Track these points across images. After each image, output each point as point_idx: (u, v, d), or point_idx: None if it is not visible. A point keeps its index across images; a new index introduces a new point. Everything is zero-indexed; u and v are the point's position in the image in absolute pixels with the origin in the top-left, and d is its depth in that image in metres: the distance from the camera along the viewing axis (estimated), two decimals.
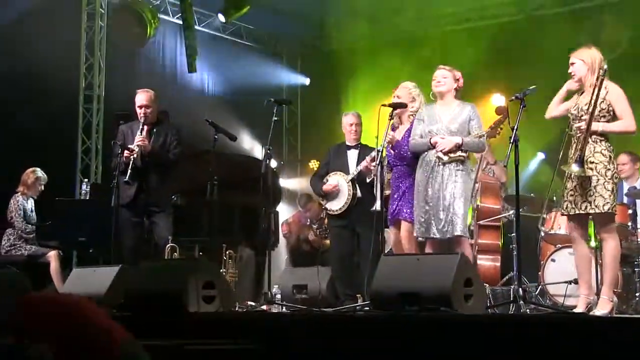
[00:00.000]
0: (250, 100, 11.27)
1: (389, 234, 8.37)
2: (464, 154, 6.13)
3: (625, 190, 8.19)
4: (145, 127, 7.17)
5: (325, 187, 7.55)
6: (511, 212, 7.69)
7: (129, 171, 6.92)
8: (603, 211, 5.39)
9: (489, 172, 8.32)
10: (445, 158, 6.07)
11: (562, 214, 5.75)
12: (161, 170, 7.21)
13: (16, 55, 9.07)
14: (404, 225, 6.51)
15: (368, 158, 7.11)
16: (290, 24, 11.97)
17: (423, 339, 3.94)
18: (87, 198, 9.00)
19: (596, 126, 5.43)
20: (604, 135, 5.49)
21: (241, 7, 10.34)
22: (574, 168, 5.37)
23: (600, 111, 5.44)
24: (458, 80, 6.36)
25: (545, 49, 9.88)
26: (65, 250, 8.57)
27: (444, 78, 6.32)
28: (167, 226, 7.24)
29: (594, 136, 5.46)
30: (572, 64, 5.62)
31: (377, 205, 6.13)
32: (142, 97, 7.22)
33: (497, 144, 8.37)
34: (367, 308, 5.64)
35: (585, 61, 5.57)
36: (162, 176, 7.22)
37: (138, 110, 7.22)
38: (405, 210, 6.50)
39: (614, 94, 5.47)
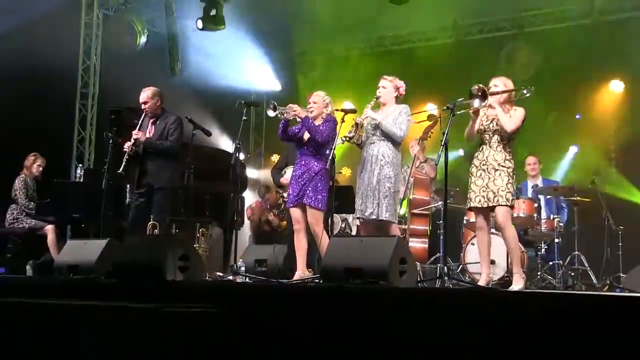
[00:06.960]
0: (223, 101, 11.18)
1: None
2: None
3: (529, 189, 8.36)
4: (147, 120, 7.13)
5: (282, 180, 7.57)
6: (439, 203, 7.77)
7: (123, 164, 6.84)
8: (508, 205, 5.60)
9: (421, 169, 8.38)
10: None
11: (472, 207, 5.74)
12: (160, 156, 7.06)
13: (24, 58, 8.93)
14: (310, 211, 6.13)
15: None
16: (263, 32, 11.57)
17: (364, 306, 3.97)
18: (81, 181, 8.92)
19: (495, 100, 5.61)
20: (511, 150, 5.70)
21: (218, 24, 10.22)
22: (476, 103, 5.53)
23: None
24: (399, 88, 6.19)
25: (472, 68, 9.94)
26: (61, 224, 8.49)
27: (384, 88, 6.18)
28: (164, 205, 7.10)
29: (505, 147, 5.66)
30: (497, 85, 5.73)
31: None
32: (142, 95, 7.14)
33: (429, 144, 8.49)
34: (318, 280, 5.67)
35: (507, 85, 5.73)
36: (161, 160, 7.05)
37: (142, 106, 7.18)
38: (309, 196, 6.11)
39: (517, 112, 5.66)
